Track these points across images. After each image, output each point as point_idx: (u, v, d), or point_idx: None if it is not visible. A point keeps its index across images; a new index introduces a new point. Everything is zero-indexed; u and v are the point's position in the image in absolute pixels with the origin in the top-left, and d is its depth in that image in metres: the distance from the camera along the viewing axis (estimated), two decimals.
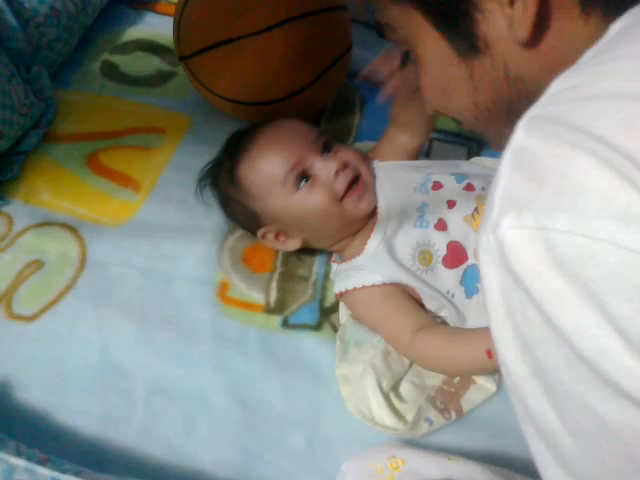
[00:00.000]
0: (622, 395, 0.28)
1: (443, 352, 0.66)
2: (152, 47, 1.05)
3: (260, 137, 0.76)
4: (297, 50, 0.81)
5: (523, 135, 0.32)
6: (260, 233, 0.77)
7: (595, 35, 0.35)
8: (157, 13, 1.12)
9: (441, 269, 0.71)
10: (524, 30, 0.38)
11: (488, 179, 0.78)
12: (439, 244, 0.72)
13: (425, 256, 0.72)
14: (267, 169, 0.74)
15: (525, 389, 0.33)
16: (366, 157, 0.79)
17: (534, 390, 0.33)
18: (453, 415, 0.67)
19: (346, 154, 0.76)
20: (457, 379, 0.70)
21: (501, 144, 0.33)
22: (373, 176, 0.77)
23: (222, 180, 0.79)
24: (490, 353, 0.62)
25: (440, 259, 0.71)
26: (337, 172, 0.73)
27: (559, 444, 0.33)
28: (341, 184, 0.73)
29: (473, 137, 0.95)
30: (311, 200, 0.73)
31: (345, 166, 0.74)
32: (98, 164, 0.89)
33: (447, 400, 0.68)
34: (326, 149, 0.76)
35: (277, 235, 0.77)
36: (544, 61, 0.40)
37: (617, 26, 0.34)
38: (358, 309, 0.72)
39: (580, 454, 0.32)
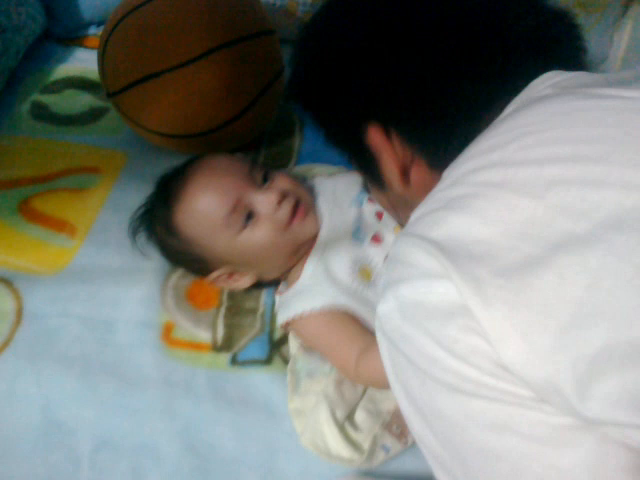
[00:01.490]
0: (451, 389, 0.39)
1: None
2: (83, 84, 1.03)
3: (192, 180, 0.73)
4: (226, 79, 0.79)
5: (392, 245, 0.48)
6: (212, 278, 0.75)
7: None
8: (87, 48, 1.10)
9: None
10: (396, 181, 0.55)
11: None
12: (377, 258, 0.72)
13: (366, 271, 0.71)
14: (207, 214, 0.72)
15: (416, 427, 0.43)
16: (302, 181, 0.79)
17: (419, 424, 0.43)
18: (410, 439, 0.66)
19: (283, 182, 0.75)
20: None
21: None
22: (312, 198, 0.77)
23: (159, 231, 0.76)
24: None
25: (380, 274, 0.70)
26: (279, 203, 0.72)
27: (444, 462, 0.42)
28: (284, 213, 0.72)
29: None
30: (259, 236, 0.72)
31: (285, 195, 0.73)
32: (31, 210, 0.86)
33: (403, 424, 0.67)
34: (262, 180, 0.75)
35: (229, 276, 0.75)
36: (415, 193, 0.55)
37: (445, 171, 0.48)
38: (305, 337, 0.71)
39: (452, 462, 0.41)
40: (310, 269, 0.71)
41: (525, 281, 0.36)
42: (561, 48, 0.52)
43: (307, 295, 0.69)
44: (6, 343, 0.72)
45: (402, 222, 0.70)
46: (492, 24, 0.51)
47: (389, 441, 0.65)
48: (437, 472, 0.44)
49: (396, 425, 0.67)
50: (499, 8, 0.52)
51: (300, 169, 0.94)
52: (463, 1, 0.52)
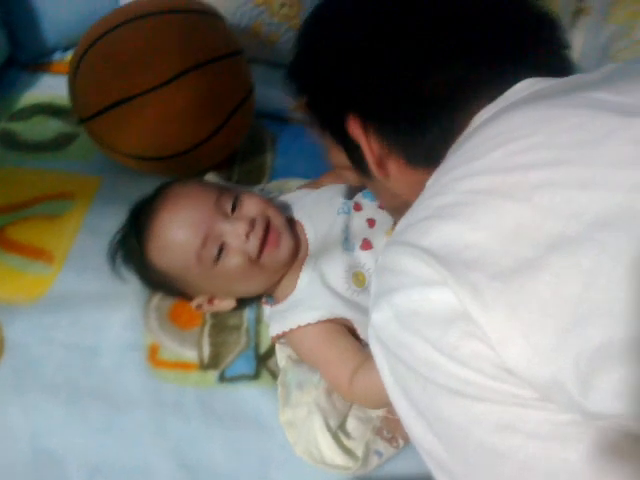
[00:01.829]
0: (454, 393, 0.40)
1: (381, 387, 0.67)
2: (51, 110, 1.02)
3: (161, 216, 0.73)
4: (197, 101, 0.81)
5: (381, 255, 0.48)
6: (194, 305, 0.76)
7: (422, 180, 0.51)
8: (53, 74, 1.09)
9: None
10: (375, 169, 0.56)
11: None
12: (369, 263, 0.73)
13: (358, 277, 0.73)
14: (178, 251, 0.72)
15: (417, 432, 0.44)
16: (275, 198, 0.80)
17: (421, 429, 0.43)
18: (401, 443, 0.67)
19: (252, 206, 0.75)
20: None
21: None
22: (286, 215, 0.78)
23: (136, 265, 0.77)
24: None
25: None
26: (247, 235, 0.72)
27: (444, 464, 0.43)
28: (253, 244, 0.72)
29: None
30: (230, 268, 0.72)
31: (253, 223, 0.72)
32: (5, 240, 0.85)
33: (393, 428, 0.68)
34: (232, 207, 0.74)
35: (209, 301, 0.76)
36: (394, 184, 0.58)
37: (430, 179, 0.49)
38: (298, 350, 0.72)
39: (455, 464, 0.42)
40: (305, 280, 0.72)
41: (522, 283, 0.37)
42: (543, 51, 0.53)
43: (304, 307, 0.71)
44: None
45: (390, 212, 0.71)
46: (470, 22, 0.52)
47: (381, 446, 0.67)
48: (437, 474, 0.44)
49: (386, 430, 0.68)
50: (482, 6, 0.53)
51: (274, 184, 0.95)
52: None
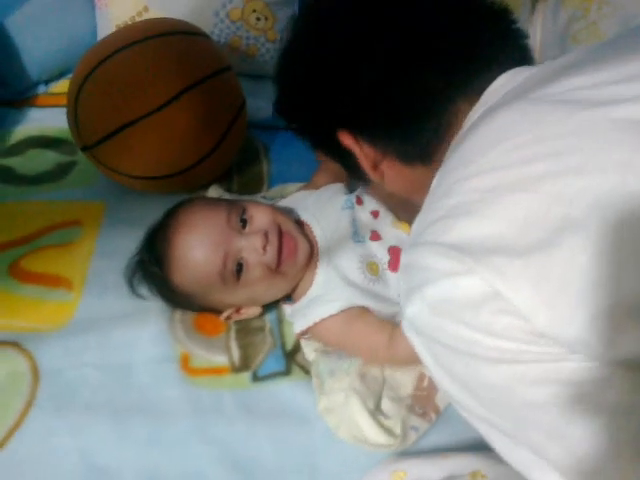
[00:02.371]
0: (494, 362, 0.45)
1: None
2: (44, 142, 1.04)
3: (178, 241, 0.75)
4: (197, 118, 0.84)
5: (404, 256, 0.52)
6: (223, 318, 0.79)
7: (420, 175, 0.58)
8: (39, 107, 1.11)
9: (389, 275, 0.76)
10: (370, 173, 0.62)
11: None
12: (380, 252, 0.77)
13: (372, 267, 0.76)
14: (200, 274, 0.75)
15: (464, 403, 0.49)
16: (276, 208, 0.82)
17: (467, 399, 0.48)
18: (433, 416, 0.71)
19: (262, 217, 0.77)
20: (426, 382, 0.74)
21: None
22: (295, 218, 0.81)
23: (161, 291, 0.79)
24: None
25: (386, 265, 0.76)
26: (264, 248, 0.74)
27: (494, 423, 0.48)
28: (271, 256, 0.74)
29: None
30: (253, 281, 0.75)
31: (267, 235, 0.75)
32: (22, 272, 0.86)
33: (424, 404, 0.72)
34: (242, 222, 0.77)
35: (237, 311, 0.79)
36: (390, 185, 0.63)
37: (434, 180, 0.54)
38: (327, 339, 0.75)
39: (503, 422, 0.47)
40: (322, 277, 0.76)
41: (539, 261, 0.42)
42: (506, 45, 0.59)
43: (323, 301, 0.74)
44: (30, 403, 0.73)
45: (392, 209, 0.77)
46: (437, 31, 0.57)
47: (416, 422, 0.70)
48: (489, 433, 0.49)
49: (418, 406, 0.72)
50: (445, 13, 0.58)
51: (274, 191, 0.99)
52: (414, 12, 0.58)
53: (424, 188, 0.54)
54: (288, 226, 0.78)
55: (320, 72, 0.61)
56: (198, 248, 0.75)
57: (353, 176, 0.68)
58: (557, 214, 0.42)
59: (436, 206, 0.50)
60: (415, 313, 0.49)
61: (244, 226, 0.77)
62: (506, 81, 0.55)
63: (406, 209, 0.64)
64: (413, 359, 0.71)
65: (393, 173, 0.62)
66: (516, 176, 0.45)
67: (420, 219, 0.52)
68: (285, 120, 0.68)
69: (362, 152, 0.60)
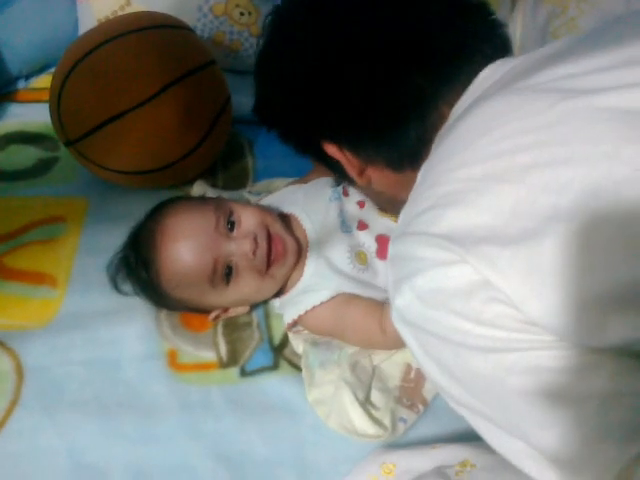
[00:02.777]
0: (485, 351, 0.45)
1: None
2: (25, 137, 1.02)
3: (166, 248, 0.74)
4: (182, 113, 0.83)
5: (392, 246, 0.52)
6: (211, 318, 0.79)
7: (409, 177, 0.57)
8: (20, 102, 1.09)
9: (377, 263, 0.77)
10: (357, 179, 0.64)
11: None
12: (368, 241, 0.78)
13: (360, 256, 0.77)
14: (190, 281, 0.74)
15: (453, 394, 0.49)
16: (264, 207, 0.82)
17: (456, 390, 0.49)
18: (420, 408, 0.72)
19: (250, 219, 0.77)
20: (413, 374, 0.75)
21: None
22: (280, 220, 0.80)
23: (146, 292, 0.78)
24: None
25: (374, 254, 0.77)
26: (253, 252, 0.74)
27: (485, 414, 0.48)
28: (261, 260, 0.75)
29: None
30: (243, 286, 0.76)
31: (255, 235, 0.75)
32: (5, 269, 0.85)
33: (411, 395, 0.73)
34: (229, 224, 0.76)
35: (224, 311, 0.79)
36: (376, 187, 0.65)
37: (419, 173, 0.54)
38: (319, 328, 0.76)
39: (495, 412, 0.47)
40: (311, 268, 0.77)
41: (529, 250, 0.42)
42: (488, 39, 0.59)
43: (314, 290, 0.75)
44: (14, 402, 0.72)
45: (380, 206, 0.78)
46: (419, 33, 0.57)
47: (404, 413, 0.71)
48: (477, 423, 0.49)
49: (405, 398, 0.73)
50: (423, 14, 0.58)
51: (260, 186, 0.99)
52: (399, 10, 0.58)
53: (412, 187, 0.54)
54: (276, 227, 0.78)
55: (300, 77, 0.60)
56: (187, 254, 0.74)
57: (340, 178, 0.69)
58: (544, 204, 0.42)
59: (423, 196, 0.50)
60: (404, 304, 0.49)
61: (232, 229, 0.76)
62: (491, 72, 0.55)
63: (394, 206, 0.64)
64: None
65: (380, 177, 0.62)
66: (504, 166, 0.45)
67: (407, 210, 0.52)
68: (266, 125, 0.68)
69: (347, 160, 0.61)
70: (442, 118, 0.56)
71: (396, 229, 0.53)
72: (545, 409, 0.44)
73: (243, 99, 1.08)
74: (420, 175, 0.54)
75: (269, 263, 0.75)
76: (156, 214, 0.78)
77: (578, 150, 0.43)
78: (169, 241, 0.74)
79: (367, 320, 0.73)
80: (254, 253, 0.74)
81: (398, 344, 0.74)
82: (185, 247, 0.74)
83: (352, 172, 0.62)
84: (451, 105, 0.56)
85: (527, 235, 0.42)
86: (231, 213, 0.77)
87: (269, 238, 0.76)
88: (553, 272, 0.41)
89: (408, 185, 0.56)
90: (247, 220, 0.77)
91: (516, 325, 0.43)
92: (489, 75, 0.55)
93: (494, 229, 0.44)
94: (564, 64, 0.49)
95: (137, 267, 0.77)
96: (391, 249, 0.52)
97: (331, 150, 0.60)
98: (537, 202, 0.43)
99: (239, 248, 0.74)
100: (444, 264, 0.45)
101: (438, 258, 0.46)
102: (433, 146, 0.55)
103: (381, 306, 0.74)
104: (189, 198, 0.90)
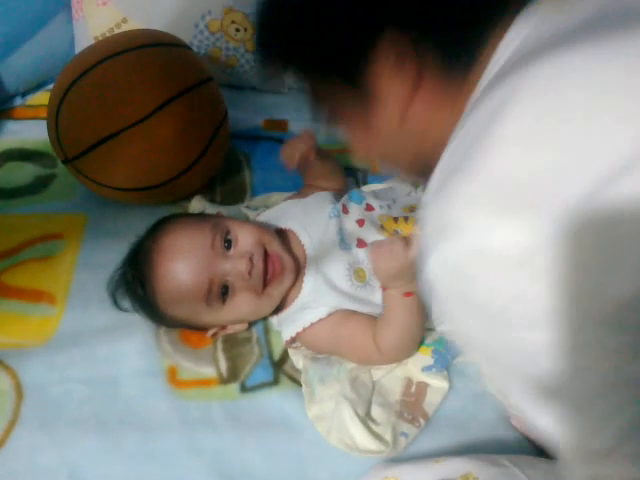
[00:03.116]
0: (521, 327, 0.40)
1: (394, 328, 0.73)
2: (23, 155, 1.03)
3: (162, 268, 0.74)
4: (180, 130, 0.84)
5: (430, 206, 0.44)
6: (209, 335, 0.79)
7: (455, 97, 0.49)
8: (16, 119, 1.09)
9: (375, 281, 0.76)
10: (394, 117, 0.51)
11: (380, 196, 0.88)
12: (367, 259, 0.77)
13: (359, 273, 0.77)
14: (186, 300, 0.74)
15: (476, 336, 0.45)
16: (262, 225, 0.81)
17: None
18: (422, 422, 0.72)
19: (246, 238, 0.76)
20: (414, 388, 0.75)
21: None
22: (278, 238, 0.79)
23: (144, 309, 0.79)
24: (408, 294, 0.71)
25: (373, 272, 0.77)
26: (249, 272, 0.74)
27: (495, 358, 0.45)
28: (257, 280, 0.74)
29: (359, 168, 1.03)
30: (239, 305, 0.76)
31: (251, 255, 0.74)
32: (3, 287, 0.85)
33: (412, 409, 0.73)
34: (226, 242, 0.76)
35: (222, 328, 0.79)
36: (419, 125, 0.52)
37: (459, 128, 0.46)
38: (317, 345, 0.76)
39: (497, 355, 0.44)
40: (309, 285, 0.76)
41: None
42: None
43: (311, 307, 0.75)
44: (14, 421, 0.71)
45: (402, 170, 0.64)
46: None
47: (405, 428, 0.71)
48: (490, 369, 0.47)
49: (406, 412, 0.73)
50: None
51: (258, 200, 0.99)
52: None
53: (449, 129, 0.47)
54: (274, 246, 0.78)
55: None
56: (182, 273, 0.74)
57: (354, 126, 0.56)
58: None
59: (457, 152, 0.44)
60: (440, 265, 0.43)
61: (229, 247, 0.76)
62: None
63: (416, 168, 0.56)
64: (403, 355, 0.74)
65: (423, 107, 0.51)
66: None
67: (446, 164, 0.45)
68: (278, 53, 0.55)
69: (398, 82, 0.50)
70: (501, 35, 0.48)
71: (430, 188, 0.46)
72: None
73: (239, 114, 1.10)
74: (460, 128, 0.46)
75: (265, 283, 0.75)
76: (154, 232, 0.78)
77: None
78: (165, 260, 0.74)
79: (365, 337, 0.73)
80: (250, 273, 0.74)
81: (395, 360, 0.74)
82: (181, 266, 0.74)
83: (395, 102, 0.51)
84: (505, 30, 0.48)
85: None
86: (228, 232, 0.77)
87: (266, 257, 0.76)
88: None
89: (446, 125, 0.48)
90: (244, 239, 0.76)
91: None
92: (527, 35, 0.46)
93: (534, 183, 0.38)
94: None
95: (134, 284, 0.78)
96: (426, 210, 0.45)
97: (385, 59, 0.48)
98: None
99: (235, 268, 0.74)
100: (485, 228, 0.39)
101: (479, 221, 0.39)
102: (475, 99, 0.47)
103: (374, 321, 0.74)
104: (187, 215, 0.90)
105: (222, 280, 0.74)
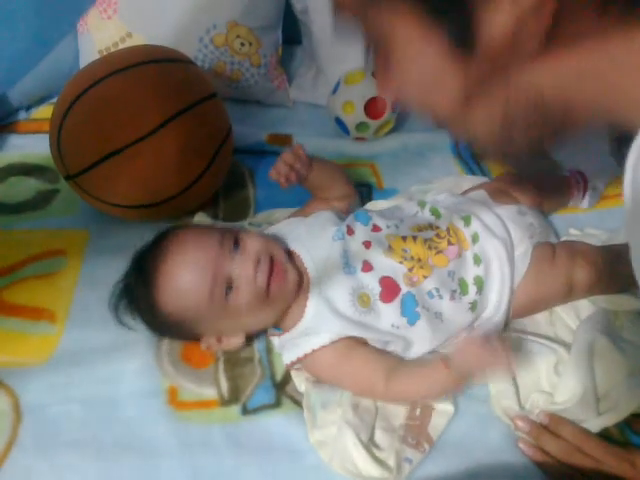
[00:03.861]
0: None
1: (416, 387, 0.72)
2: (26, 169, 1.02)
3: (168, 262, 0.74)
4: (184, 146, 0.83)
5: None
6: (203, 347, 0.78)
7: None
8: (20, 133, 1.09)
9: (381, 306, 0.75)
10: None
11: (387, 215, 0.86)
12: (372, 283, 0.76)
13: (363, 298, 0.76)
14: (190, 292, 0.73)
15: None
16: (267, 236, 0.82)
17: None
18: (426, 447, 0.70)
19: (254, 243, 0.76)
20: (419, 411, 0.74)
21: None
22: (285, 247, 0.80)
23: (144, 310, 0.78)
24: (445, 363, 0.69)
25: (377, 296, 0.76)
26: (255, 270, 0.74)
27: None
28: (262, 279, 0.74)
29: (363, 183, 1.02)
30: (240, 304, 0.74)
31: (258, 258, 0.75)
32: (3, 304, 0.84)
33: (416, 434, 0.72)
34: (234, 244, 0.76)
35: (218, 340, 0.78)
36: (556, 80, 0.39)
37: None
38: (318, 372, 0.74)
39: None
40: (312, 308, 0.75)
41: None
42: None
43: (314, 332, 0.73)
44: (11, 442, 0.70)
45: (492, 145, 0.47)
46: None
47: (409, 453, 0.69)
48: None
49: (410, 437, 0.71)
50: None
51: (261, 217, 0.98)
52: None
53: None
54: (279, 255, 0.77)
55: None
56: (190, 267, 0.74)
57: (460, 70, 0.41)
58: None
59: None
60: None
61: (236, 249, 0.76)
62: None
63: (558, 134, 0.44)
64: (407, 398, 0.72)
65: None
66: None
67: None
68: None
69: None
70: None
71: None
72: None
73: (243, 129, 1.10)
74: None
75: (269, 287, 0.74)
76: (162, 238, 0.78)
77: None
78: (172, 253, 0.74)
79: (369, 369, 0.72)
80: (256, 270, 0.74)
81: (392, 402, 0.73)
82: (188, 259, 0.74)
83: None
84: None
85: None
86: (237, 236, 0.77)
87: (272, 263, 0.75)
88: None
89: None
90: (252, 245, 0.76)
91: None
92: None
93: None
94: None
95: (137, 285, 0.77)
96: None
97: None
98: None
99: (241, 267, 0.74)
100: None
101: None
102: None
103: (389, 360, 0.73)
104: (196, 224, 0.91)
105: (227, 277, 0.74)
